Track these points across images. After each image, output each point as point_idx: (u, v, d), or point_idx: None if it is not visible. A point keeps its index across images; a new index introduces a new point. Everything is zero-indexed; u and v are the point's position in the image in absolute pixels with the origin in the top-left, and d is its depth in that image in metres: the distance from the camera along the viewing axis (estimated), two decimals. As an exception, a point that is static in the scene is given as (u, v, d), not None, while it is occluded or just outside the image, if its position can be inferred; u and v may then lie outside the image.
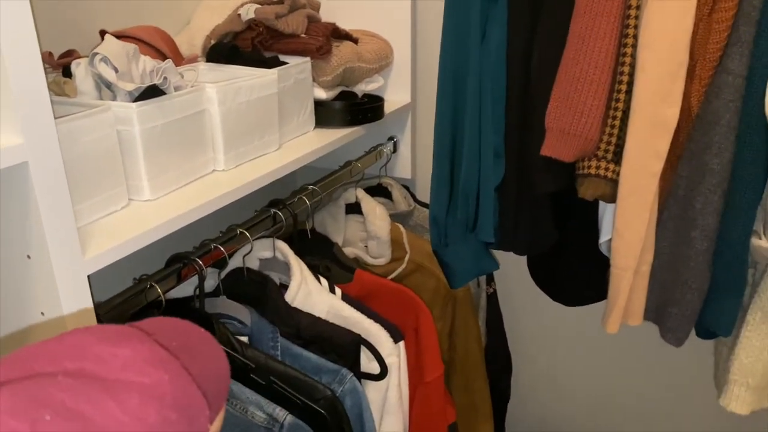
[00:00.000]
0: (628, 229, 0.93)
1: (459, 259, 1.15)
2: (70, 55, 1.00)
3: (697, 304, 0.95)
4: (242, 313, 1.00)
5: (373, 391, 1.05)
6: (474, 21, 0.99)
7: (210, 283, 1.05)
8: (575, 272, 1.14)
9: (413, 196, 1.49)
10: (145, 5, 1.24)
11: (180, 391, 0.34)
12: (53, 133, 0.65)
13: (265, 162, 1.06)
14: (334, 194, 1.37)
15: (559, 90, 0.93)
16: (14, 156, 0.61)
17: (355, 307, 1.07)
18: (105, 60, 0.85)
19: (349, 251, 1.32)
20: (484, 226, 1.07)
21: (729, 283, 0.92)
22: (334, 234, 1.34)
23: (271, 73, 1.07)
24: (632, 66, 0.90)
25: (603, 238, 1.03)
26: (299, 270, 1.06)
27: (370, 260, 1.33)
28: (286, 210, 1.09)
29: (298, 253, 1.10)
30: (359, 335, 1.01)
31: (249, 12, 1.16)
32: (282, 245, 1.09)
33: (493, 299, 1.45)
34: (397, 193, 1.44)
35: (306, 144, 1.16)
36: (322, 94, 1.24)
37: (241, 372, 0.90)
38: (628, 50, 0.89)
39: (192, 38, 1.27)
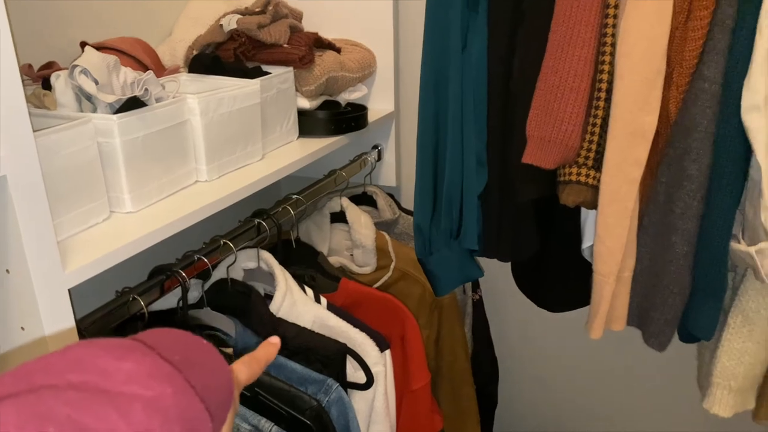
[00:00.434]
0: (609, 235, 0.94)
1: (444, 267, 1.16)
2: (50, 67, 1.00)
3: (679, 309, 0.96)
4: (227, 324, 0.99)
5: (359, 400, 1.05)
6: (455, 31, 1.00)
7: (194, 295, 1.04)
8: (559, 278, 1.14)
9: (398, 204, 1.49)
10: (126, 16, 1.23)
11: (183, 405, 0.35)
12: (32, 145, 0.65)
13: (248, 172, 1.05)
14: (319, 203, 1.37)
15: (540, 98, 0.93)
16: (-8, 170, 0.61)
17: (340, 317, 1.06)
18: (85, 72, 0.85)
19: (334, 260, 1.32)
20: (467, 233, 1.07)
21: (709, 287, 0.93)
22: (319, 243, 1.34)
23: (254, 84, 1.07)
24: (611, 74, 0.91)
25: (585, 244, 1.04)
26: (284, 280, 1.06)
27: (355, 269, 1.33)
28: (270, 220, 1.09)
29: (283, 262, 1.09)
30: (344, 345, 1.01)
31: (231, 23, 1.16)
32: (266, 255, 1.09)
33: (479, 306, 1.46)
34: (382, 201, 1.44)
35: (289, 154, 1.16)
36: (305, 103, 1.24)
37: (225, 384, 0.90)
38: (607, 58, 0.90)
39: (174, 49, 1.27)
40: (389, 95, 1.45)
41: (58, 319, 0.69)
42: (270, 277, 1.08)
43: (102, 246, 0.77)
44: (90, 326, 0.80)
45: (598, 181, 0.94)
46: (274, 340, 0.57)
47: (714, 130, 0.87)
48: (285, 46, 1.20)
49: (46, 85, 0.90)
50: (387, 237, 1.34)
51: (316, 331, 1.03)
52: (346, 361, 1.02)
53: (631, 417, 1.60)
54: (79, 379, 0.32)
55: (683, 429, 1.52)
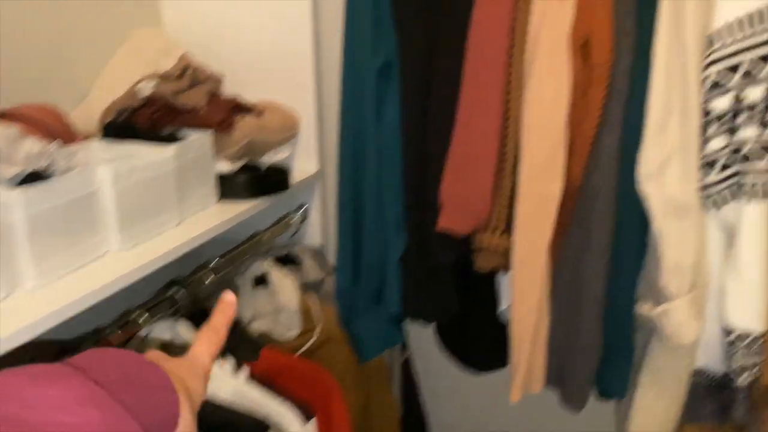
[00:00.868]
0: (522, 298, 0.96)
1: (368, 332, 1.15)
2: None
3: (593, 369, 0.98)
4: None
5: (282, 474, 1.01)
6: (369, 100, 1.02)
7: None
8: (480, 339, 1.16)
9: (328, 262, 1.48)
10: (41, 77, 1.20)
11: (113, 428, 0.33)
12: None
13: (164, 240, 1.02)
14: (241, 267, 1.34)
15: (452, 166, 0.96)
16: None
17: (262, 388, 1.03)
18: (-18, 146, 0.82)
19: (258, 325, 1.29)
20: (389, 297, 1.07)
21: (619, 347, 0.96)
22: (242, 308, 1.30)
23: (168, 151, 1.05)
24: (517, 143, 0.94)
25: (502, 307, 1.06)
26: (200, 352, 1.02)
27: (279, 334, 1.30)
28: (186, 289, 1.06)
29: (201, 333, 1.06)
30: (263, 420, 0.98)
31: (146, 88, 1.15)
32: (183, 327, 1.05)
33: (407, 366, 1.45)
34: (308, 261, 1.42)
35: (208, 219, 1.14)
36: (225, 167, 1.23)
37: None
38: (512, 128, 0.94)
39: (90, 113, 1.24)
40: (313, 155, 1.46)
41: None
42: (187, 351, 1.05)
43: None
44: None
45: (510, 245, 0.96)
46: (229, 297, 0.54)
47: (615, 196, 0.91)
48: (203, 111, 1.19)
49: (-59, 159, 0.86)
50: (312, 299, 1.32)
51: (237, 404, 1.00)
52: (267, 435, 0.99)
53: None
54: (1, 412, 0.31)
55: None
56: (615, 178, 0.91)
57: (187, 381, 0.44)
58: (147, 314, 0.98)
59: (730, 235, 0.91)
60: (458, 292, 1.09)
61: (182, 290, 1.05)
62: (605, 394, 1.02)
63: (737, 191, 0.89)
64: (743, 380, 0.92)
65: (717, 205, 0.91)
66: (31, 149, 0.88)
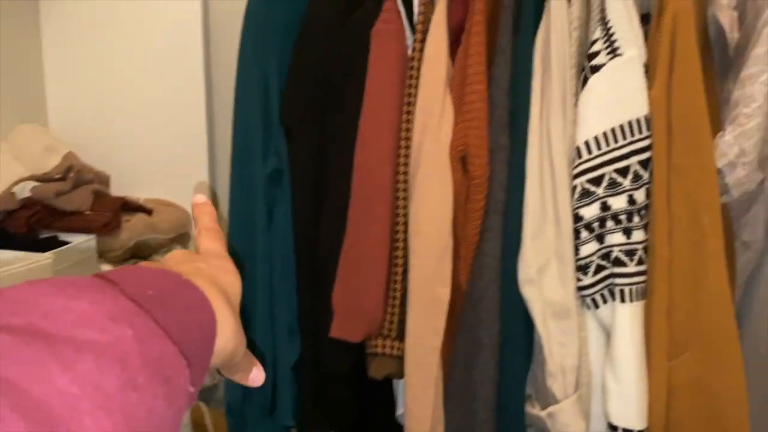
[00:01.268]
0: (416, 403, 0.95)
1: (259, 447, 1.09)
2: None
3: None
4: None
5: None
6: (260, 206, 1.02)
7: None
8: (378, 445, 1.13)
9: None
10: None
11: (148, 349, 0.28)
12: None
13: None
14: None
15: (343, 272, 0.96)
16: None
17: None
18: None
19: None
20: (282, 408, 1.03)
21: (511, 450, 0.96)
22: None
23: (46, 258, 0.99)
24: (405, 250, 0.96)
25: (398, 411, 1.05)
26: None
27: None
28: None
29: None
30: None
31: (24, 190, 1.10)
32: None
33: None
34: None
35: (88, 328, 1.07)
36: (110, 269, 1.17)
37: None
38: (401, 236, 0.97)
39: (-40, 215, 1.16)
40: (207, 255, 1.42)
41: None
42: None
43: None
44: None
45: (403, 351, 0.96)
46: (200, 198, 0.48)
47: (500, 299, 0.94)
48: (87, 213, 1.15)
49: None
50: (203, 408, 1.25)
51: None
52: None
53: None
54: (19, 322, 0.26)
55: None
56: (498, 282, 0.94)
57: (219, 279, 0.40)
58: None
59: (608, 335, 0.95)
60: (355, 395, 1.07)
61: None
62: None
63: (610, 293, 0.94)
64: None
65: (594, 306, 0.95)
66: None
